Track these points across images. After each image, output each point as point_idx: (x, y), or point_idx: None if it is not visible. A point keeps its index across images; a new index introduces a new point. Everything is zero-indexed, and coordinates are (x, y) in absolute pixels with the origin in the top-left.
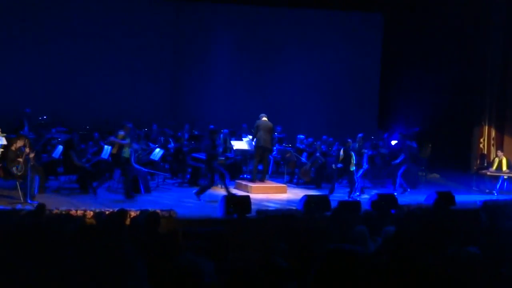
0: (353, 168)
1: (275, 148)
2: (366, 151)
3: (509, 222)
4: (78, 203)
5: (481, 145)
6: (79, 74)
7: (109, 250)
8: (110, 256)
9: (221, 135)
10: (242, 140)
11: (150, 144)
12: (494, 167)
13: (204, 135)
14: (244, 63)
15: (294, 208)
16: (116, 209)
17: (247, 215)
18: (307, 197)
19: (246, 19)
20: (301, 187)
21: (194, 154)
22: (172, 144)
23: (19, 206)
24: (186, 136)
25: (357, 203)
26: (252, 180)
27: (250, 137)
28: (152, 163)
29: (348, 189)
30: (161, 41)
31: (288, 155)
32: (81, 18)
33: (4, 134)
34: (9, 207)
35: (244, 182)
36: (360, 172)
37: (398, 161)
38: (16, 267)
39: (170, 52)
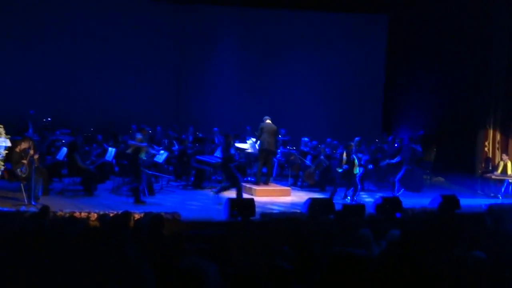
0: (356, 171)
1: (279, 150)
2: (361, 155)
3: None
4: (82, 205)
5: (486, 149)
6: (83, 76)
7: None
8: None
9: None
10: (246, 142)
11: (154, 147)
12: (499, 170)
13: (208, 137)
14: (248, 65)
15: (298, 211)
16: (120, 211)
17: (251, 218)
18: (311, 200)
19: (250, 22)
20: (305, 190)
21: (198, 157)
22: (176, 147)
23: (23, 208)
24: (190, 138)
25: (362, 207)
26: (256, 183)
27: (254, 139)
28: (156, 166)
29: (347, 192)
30: (165, 43)
31: (292, 158)
32: (85, 20)
33: (9, 136)
34: (13, 209)
35: (248, 185)
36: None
37: (393, 161)
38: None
39: (174, 55)
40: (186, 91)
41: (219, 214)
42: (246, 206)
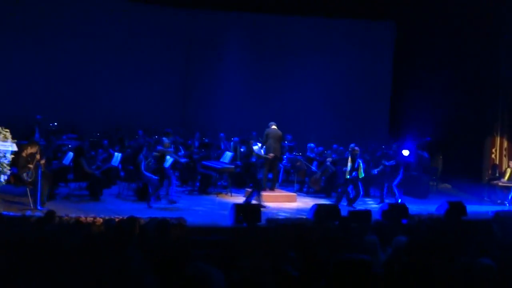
0: (361, 175)
1: (285, 156)
2: (360, 160)
3: None
4: (88, 210)
5: (493, 156)
6: (90, 81)
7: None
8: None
9: (231, 143)
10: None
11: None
12: (506, 177)
13: (214, 143)
14: (255, 71)
15: (304, 217)
16: (125, 217)
17: (257, 223)
18: (317, 206)
19: (257, 28)
20: (311, 196)
21: (204, 162)
22: (183, 152)
23: (29, 213)
24: (196, 144)
25: (368, 213)
26: (262, 188)
27: (260, 145)
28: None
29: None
30: (172, 49)
31: (298, 163)
32: (92, 26)
33: (15, 140)
34: (19, 213)
35: None
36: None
37: (388, 163)
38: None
39: (181, 60)
40: (192, 97)
41: (225, 219)
42: (252, 211)
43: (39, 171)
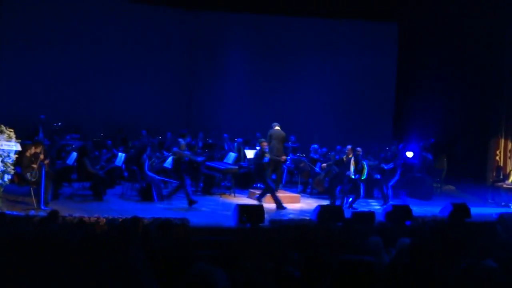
0: (364, 176)
1: (288, 157)
2: (364, 162)
3: None
4: (91, 210)
5: (497, 157)
6: (94, 82)
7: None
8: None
9: (235, 143)
10: (256, 149)
11: (164, 152)
12: (510, 179)
13: (218, 143)
14: (259, 72)
15: (307, 218)
16: (129, 217)
17: (260, 224)
18: (320, 207)
19: (261, 29)
20: (315, 197)
21: (207, 163)
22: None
23: (32, 212)
24: (200, 144)
25: (371, 214)
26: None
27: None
28: (165, 171)
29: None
30: (176, 50)
31: (302, 164)
32: (96, 27)
33: (19, 140)
34: (22, 213)
35: (257, 191)
36: (340, 185)
37: (386, 166)
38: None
39: (184, 61)
40: (196, 97)
41: (228, 220)
42: (255, 212)
43: (43, 171)
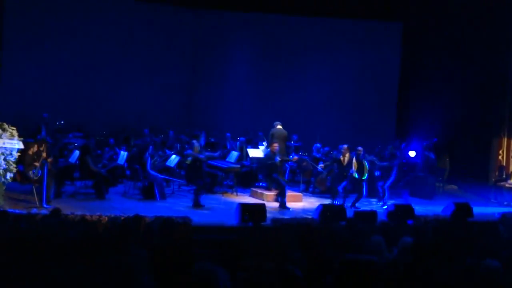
0: (365, 176)
1: (290, 156)
2: (365, 161)
3: None
4: (93, 208)
5: (500, 157)
6: (96, 80)
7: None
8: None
9: (237, 142)
10: (258, 148)
11: (167, 151)
12: None
13: (220, 142)
14: (261, 71)
15: (309, 217)
16: (131, 215)
17: (262, 223)
18: (322, 206)
19: (263, 28)
20: (317, 196)
21: (210, 162)
22: (188, 151)
23: (34, 210)
24: (202, 143)
25: (373, 213)
26: (267, 188)
27: (265, 143)
28: (167, 170)
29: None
30: (179, 49)
31: (304, 163)
32: (99, 25)
33: (22, 138)
34: (24, 211)
35: (259, 190)
36: (343, 183)
37: (381, 163)
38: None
39: (187, 60)
40: (198, 96)
41: (230, 219)
42: (257, 211)
43: (45, 169)
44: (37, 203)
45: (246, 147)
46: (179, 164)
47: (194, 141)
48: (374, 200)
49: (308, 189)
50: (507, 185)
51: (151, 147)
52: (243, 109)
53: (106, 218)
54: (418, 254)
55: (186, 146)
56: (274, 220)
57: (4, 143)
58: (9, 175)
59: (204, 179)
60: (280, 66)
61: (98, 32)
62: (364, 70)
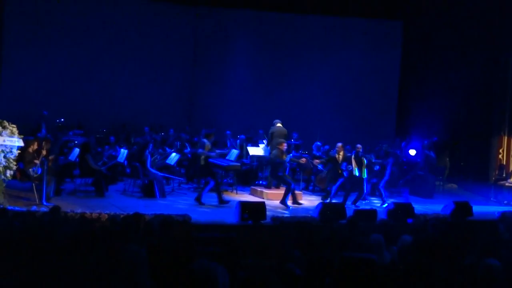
0: (364, 174)
1: (291, 154)
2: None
3: None
4: (93, 206)
5: (500, 156)
6: (97, 78)
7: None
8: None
9: (238, 140)
10: (258, 146)
11: (167, 149)
12: None
13: (220, 140)
14: (262, 69)
15: (309, 215)
16: (130, 213)
17: (262, 221)
18: (322, 205)
19: (264, 25)
20: (317, 195)
21: (210, 160)
22: (188, 149)
23: (34, 208)
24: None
25: (373, 212)
26: (267, 186)
27: (266, 141)
28: (167, 168)
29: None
30: (179, 46)
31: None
32: (99, 22)
33: (22, 136)
34: (24, 208)
35: (259, 188)
36: (338, 182)
37: (374, 160)
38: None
39: (187, 58)
40: (199, 94)
41: (230, 217)
42: (257, 209)
43: (45, 167)
44: (37, 200)
45: (246, 145)
46: (179, 162)
47: (205, 140)
48: (374, 199)
49: (308, 188)
50: (507, 184)
51: (151, 145)
52: (243, 107)
53: (106, 216)
54: (418, 252)
55: (187, 144)
56: (274, 218)
57: (4, 141)
58: (9, 173)
59: (215, 175)
60: (281, 64)
61: (98, 29)
62: (365, 69)
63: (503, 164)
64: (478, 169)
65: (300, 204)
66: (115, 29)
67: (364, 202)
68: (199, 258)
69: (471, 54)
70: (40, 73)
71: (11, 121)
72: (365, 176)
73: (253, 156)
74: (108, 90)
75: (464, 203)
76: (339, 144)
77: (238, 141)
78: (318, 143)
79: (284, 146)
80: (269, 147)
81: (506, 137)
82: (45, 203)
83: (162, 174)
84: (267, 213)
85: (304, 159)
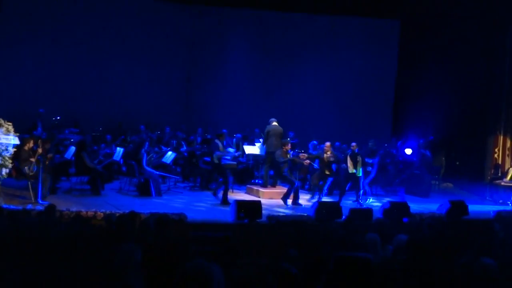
0: (359, 173)
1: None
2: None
3: None
4: (89, 204)
5: (495, 155)
6: (93, 76)
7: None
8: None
9: (234, 139)
10: (254, 145)
11: (163, 147)
12: (509, 177)
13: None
14: (258, 68)
15: (305, 214)
16: (126, 212)
17: (257, 220)
18: (318, 204)
19: (261, 24)
20: None
21: (206, 158)
22: (185, 148)
23: (29, 206)
24: (199, 139)
25: (369, 211)
26: (263, 185)
27: (262, 140)
28: (163, 166)
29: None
30: (176, 45)
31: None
32: (96, 20)
33: (18, 134)
34: (20, 207)
35: (255, 187)
36: (328, 182)
37: (371, 160)
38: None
39: (184, 56)
40: (195, 93)
41: (226, 216)
42: (253, 208)
43: (41, 165)
44: (33, 199)
45: (243, 144)
46: (175, 160)
47: (217, 141)
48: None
49: (304, 187)
50: (502, 183)
51: (147, 143)
52: (240, 106)
53: (102, 214)
54: (413, 251)
55: (183, 143)
56: (270, 217)
57: (0, 139)
58: (4, 171)
59: (227, 175)
60: (277, 63)
61: (95, 27)
62: (361, 68)
63: (498, 163)
64: (473, 168)
65: (299, 205)
66: (111, 28)
67: (363, 201)
68: (194, 257)
69: (467, 54)
70: (36, 71)
71: (7, 119)
72: (361, 174)
73: (249, 154)
74: (104, 88)
75: (459, 202)
76: (327, 143)
77: (234, 139)
78: (314, 141)
79: (289, 147)
80: (265, 146)
81: (501, 137)
82: (40, 202)
83: (158, 173)
84: (263, 212)
85: (307, 161)
